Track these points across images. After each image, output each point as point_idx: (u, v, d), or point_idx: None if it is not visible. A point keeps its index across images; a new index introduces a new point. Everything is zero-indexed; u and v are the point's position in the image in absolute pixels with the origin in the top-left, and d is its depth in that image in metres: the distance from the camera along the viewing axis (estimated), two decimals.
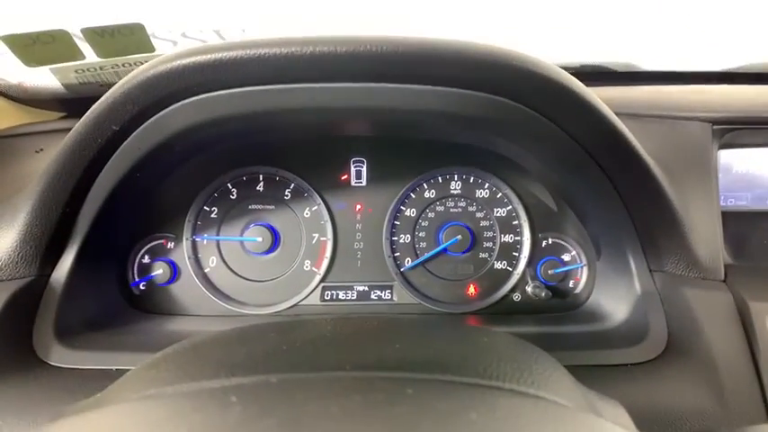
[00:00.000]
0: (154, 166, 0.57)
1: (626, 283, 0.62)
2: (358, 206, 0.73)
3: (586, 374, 0.53)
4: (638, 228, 0.58)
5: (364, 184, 0.73)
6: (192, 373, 0.33)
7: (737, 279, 0.58)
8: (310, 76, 0.46)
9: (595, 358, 0.54)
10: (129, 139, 0.51)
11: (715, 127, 0.66)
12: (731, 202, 0.75)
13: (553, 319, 0.68)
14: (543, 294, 0.68)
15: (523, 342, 0.40)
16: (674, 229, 0.57)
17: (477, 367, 0.31)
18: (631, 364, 0.53)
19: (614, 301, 0.64)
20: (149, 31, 1.93)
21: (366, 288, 0.72)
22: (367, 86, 0.46)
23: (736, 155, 0.73)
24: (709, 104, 0.67)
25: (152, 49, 0.81)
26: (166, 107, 0.48)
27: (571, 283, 0.72)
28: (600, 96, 0.51)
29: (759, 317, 0.53)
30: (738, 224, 0.70)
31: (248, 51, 0.45)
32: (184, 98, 0.47)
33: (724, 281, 0.59)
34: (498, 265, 0.72)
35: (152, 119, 0.49)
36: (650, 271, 0.60)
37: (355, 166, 0.73)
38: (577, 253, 0.72)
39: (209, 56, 0.46)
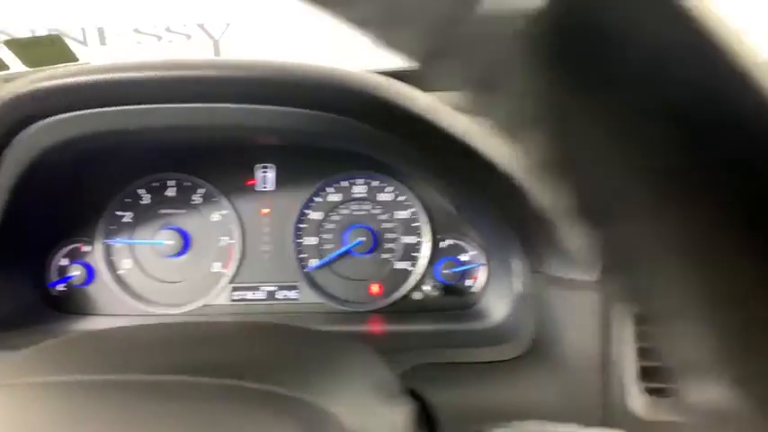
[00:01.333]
0: (46, 177, 0.60)
1: (509, 284, 0.64)
2: (265, 210, 0.76)
3: (462, 371, 0.56)
4: (516, 229, 0.61)
5: (272, 188, 0.76)
6: (44, 367, 0.36)
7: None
8: (158, 98, 0.48)
9: (471, 355, 0.57)
10: (5, 153, 0.54)
11: None
12: None
13: (448, 317, 0.71)
14: (437, 293, 0.71)
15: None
16: (546, 230, 0.59)
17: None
18: (496, 362, 0.56)
19: (499, 300, 0.67)
20: (133, 27, 1.93)
21: (273, 288, 0.75)
22: (209, 107, 0.49)
23: None
24: None
25: (75, 59, 0.84)
26: (30, 125, 0.51)
27: (468, 283, 0.74)
28: None
29: (619, 319, 0.55)
30: None
31: (103, 76, 0.47)
32: (48, 116, 0.50)
33: (599, 281, 0.61)
34: (400, 266, 0.75)
35: (18, 136, 0.52)
36: (532, 272, 0.62)
37: (262, 172, 0.76)
38: (478, 253, 0.74)
39: (69, 80, 0.48)
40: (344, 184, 0.75)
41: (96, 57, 1.75)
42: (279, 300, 0.75)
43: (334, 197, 0.76)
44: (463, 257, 0.75)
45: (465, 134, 0.50)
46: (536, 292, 0.61)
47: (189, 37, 1.78)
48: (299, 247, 0.75)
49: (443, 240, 0.75)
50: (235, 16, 1.77)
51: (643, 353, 0.52)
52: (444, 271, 0.74)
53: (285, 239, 0.75)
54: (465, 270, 0.74)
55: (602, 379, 0.51)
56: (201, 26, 1.78)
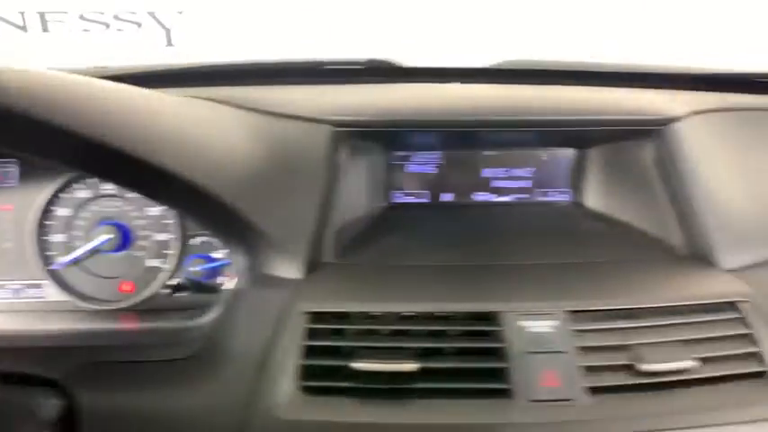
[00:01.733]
0: None
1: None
2: (7, 206, 0.73)
3: (128, 370, 0.55)
4: (229, 230, 0.61)
5: (15, 184, 0.73)
6: None
7: (326, 277, 0.62)
8: None
9: (140, 355, 0.56)
10: None
11: (337, 129, 0.67)
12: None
13: (198, 314, 0.71)
14: (184, 291, 0.71)
15: None
16: (249, 232, 0.60)
17: None
18: (162, 361, 0.55)
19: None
20: (78, 12, 1.78)
21: (18, 286, 0.73)
22: None
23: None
24: (333, 107, 0.68)
25: None
26: None
27: (219, 280, 0.75)
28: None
29: (293, 318, 0.56)
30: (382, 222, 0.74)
31: None
32: None
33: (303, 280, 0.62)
34: (151, 263, 0.75)
35: None
36: (248, 269, 0.63)
37: (3, 168, 0.73)
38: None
39: None
40: (93, 180, 0.74)
41: (38, 45, 1.61)
42: (24, 298, 0.73)
43: (83, 193, 0.74)
44: (216, 255, 0.75)
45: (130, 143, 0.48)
46: (242, 288, 0.61)
47: (139, 25, 1.66)
48: (45, 245, 0.74)
49: (194, 238, 0.75)
50: (187, 4, 1.65)
51: (309, 351, 0.54)
52: (192, 268, 0.74)
53: (27, 236, 0.73)
54: (215, 267, 0.74)
55: (258, 378, 0.52)
56: (152, 14, 1.67)
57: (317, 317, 0.56)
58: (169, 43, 1.70)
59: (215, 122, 0.62)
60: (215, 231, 0.62)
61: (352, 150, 0.70)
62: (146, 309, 0.74)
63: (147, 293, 0.74)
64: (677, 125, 0.70)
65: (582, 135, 0.77)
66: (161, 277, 0.74)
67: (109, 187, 0.73)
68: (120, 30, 1.71)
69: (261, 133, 0.64)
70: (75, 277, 0.74)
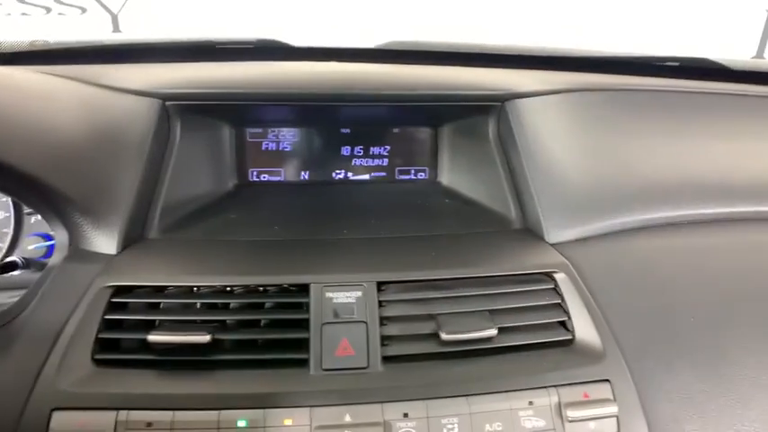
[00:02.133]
0: None
1: None
2: None
3: None
4: (45, 203, 0.59)
5: None
6: None
7: (142, 252, 0.61)
8: None
9: None
10: None
11: (168, 103, 0.66)
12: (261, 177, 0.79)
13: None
14: (14, 269, 0.70)
15: None
16: (65, 206, 0.58)
17: None
18: None
19: None
20: None
21: None
22: None
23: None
24: (164, 80, 0.67)
25: None
26: None
27: None
28: None
29: (95, 291, 0.55)
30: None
31: None
32: None
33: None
34: None
35: None
36: (69, 245, 0.62)
37: None
38: None
39: None
40: None
41: None
42: None
43: None
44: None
45: None
46: (55, 264, 0.60)
47: (84, 10, 1.58)
48: None
49: (31, 216, 0.73)
50: None
51: (107, 324, 0.53)
52: (30, 247, 0.72)
53: None
54: (53, 246, 0.72)
55: (48, 350, 0.51)
56: None
57: (120, 290, 0.55)
58: (116, 29, 1.64)
59: (36, 95, 0.60)
60: (31, 205, 0.61)
61: (190, 126, 0.69)
62: None
63: None
64: (517, 101, 0.71)
65: (435, 113, 0.78)
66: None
67: None
68: (61, 14, 1.64)
69: (89, 107, 0.63)
70: None
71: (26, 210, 0.72)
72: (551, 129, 0.72)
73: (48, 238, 0.72)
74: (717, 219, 0.73)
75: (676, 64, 0.85)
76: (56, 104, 0.61)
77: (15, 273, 0.70)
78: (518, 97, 0.72)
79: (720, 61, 0.86)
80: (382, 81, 0.71)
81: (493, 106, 0.72)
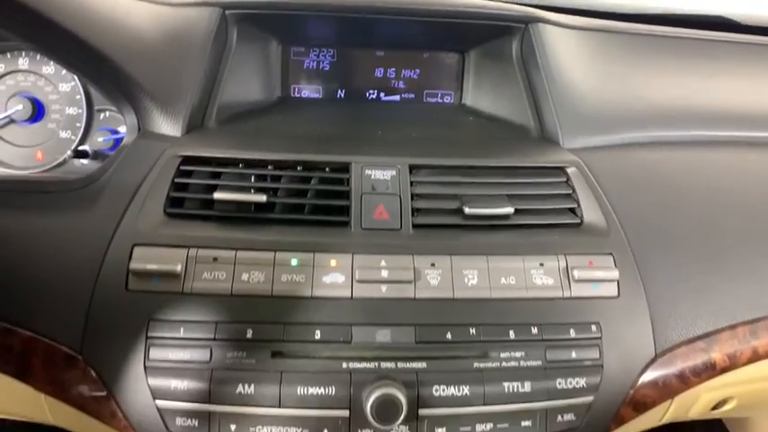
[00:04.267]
0: None
1: None
2: None
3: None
4: (119, 89, 0.67)
5: None
6: None
7: (204, 135, 0.68)
8: None
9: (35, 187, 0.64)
10: None
11: (227, 12, 0.73)
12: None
13: None
14: (86, 157, 0.77)
15: None
16: (137, 92, 0.65)
17: None
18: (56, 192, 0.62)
19: None
20: None
21: None
22: None
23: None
24: None
25: None
26: None
27: None
28: None
29: (167, 159, 0.62)
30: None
31: None
32: None
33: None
34: (63, 134, 0.80)
35: None
36: (137, 127, 0.69)
37: None
38: None
39: None
40: (8, 55, 0.78)
41: None
42: None
43: None
44: (121, 129, 0.81)
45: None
46: (127, 142, 0.67)
47: None
48: None
49: (102, 113, 0.80)
50: None
51: (176, 186, 0.60)
52: (99, 139, 0.80)
53: None
54: (119, 140, 0.80)
55: (127, 203, 0.58)
56: None
57: (187, 160, 0.62)
58: None
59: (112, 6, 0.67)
60: (107, 90, 0.68)
61: (244, 36, 0.76)
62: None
63: (57, 160, 0.79)
64: (540, 25, 0.77)
65: (463, 36, 0.83)
66: (72, 147, 0.80)
67: (23, 63, 0.78)
68: None
69: (159, 16, 0.70)
70: None
71: (97, 106, 0.80)
72: (572, 54, 0.78)
73: (115, 132, 0.80)
74: (717, 140, 0.79)
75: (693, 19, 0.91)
76: (131, 13, 0.67)
77: (85, 161, 0.78)
78: (542, 21, 0.77)
79: (732, 17, 0.92)
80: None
81: (517, 28, 0.78)
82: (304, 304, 0.54)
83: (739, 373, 0.66)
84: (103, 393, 0.52)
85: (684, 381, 0.58)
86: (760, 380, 0.68)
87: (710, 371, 0.58)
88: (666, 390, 0.57)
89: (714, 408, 0.70)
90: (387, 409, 0.48)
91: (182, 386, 0.51)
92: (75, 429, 0.63)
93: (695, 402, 0.67)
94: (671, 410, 0.66)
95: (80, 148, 0.78)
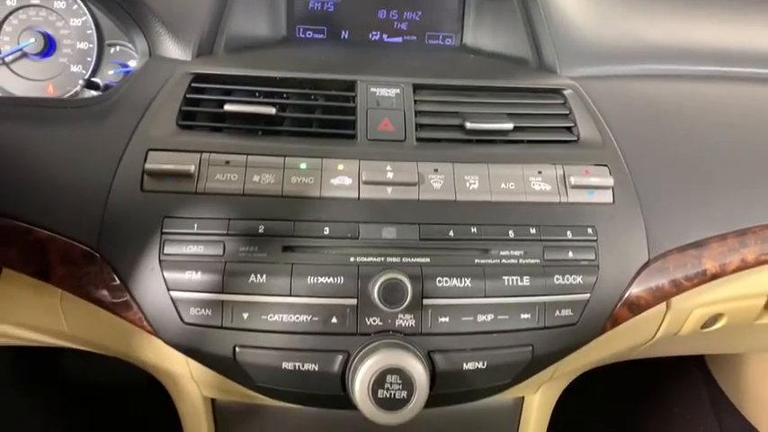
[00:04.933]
0: None
1: None
2: None
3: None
4: (130, 13, 0.68)
5: None
6: None
7: (213, 59, 0.70)
8: None
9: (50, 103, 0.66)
10: None
11: None
12: None
13: None
14: (96, 89, 0.79)
15: None
16: (147, 17, 0.67)
17: None
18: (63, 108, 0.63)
19: None
20: None
21: None
22: None
23: None
24: None
25: None
26: None
27: None
28: None
29: (179, 76, 0.64)
30: None
31: None
32: None
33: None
34: (74, 68, 0.82)
35: None
36: (148, 53, 0.71)
37: None
38: None
39: None
40: None
41: None
42: None
43: (11, 2, 0.80)
44: (131, 63, 0.82)
45: None
46: (139, 66, 0.69)
47: None
48: None
49: (112, 47, 0.82)
50: None
51: (188, 102, 0.62)
52: (109, 72, 0.81)
53: None
54: (128, 72, 0.82)
55: (141, 114, 0.60)
56: None
57: (199, 77, 0.64)
58: None
59: None
60: (119, 17, 0.69)
61: None
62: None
63: (69, 92, 0.81)
64: None
65: None
66: (81, 81, 0.81)
67: None
68: None
69: None
70: (7, 79, 0.81)
71: (108, 41, 0.81)
72: None
73: (125, 66, 0.81)
74: (710, 75, 0.81)
75: None
76: None
77: (96, 93, 0.79)
78: None
79: None
80: None
81: None
82: (313, 204, 0.56)
83: (729, 290, 0.69)
84: (120, 287, 0.54)
85: (676, 285, 0.60)
86: (748, 297, 0.71)
87: (701, 276, 0.61)
88: (659, 293, 0.60)
89: (704, 326, 0.72)
90: (393, 292, 0.50)
91: (195, 278, 0.53)
92: (87, 337, 0.66)
93: (687, 318, 0.69)
94: (664, 324, 0.69)
95: (91, 79, 0.80)
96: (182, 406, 0.67)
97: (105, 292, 0.54)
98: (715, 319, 0.72)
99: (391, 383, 0.49)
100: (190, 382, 0.62)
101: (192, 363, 0.58)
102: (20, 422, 1.30)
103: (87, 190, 0.56)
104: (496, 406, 0.67)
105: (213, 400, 0.65)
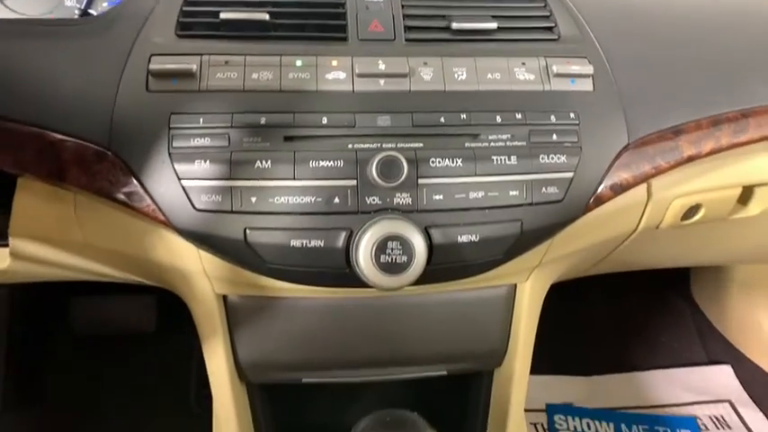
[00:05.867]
0: None
1: None
2: None
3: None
4: None
5: None
6: None
7: None
8: None
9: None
10: None
11: None
12: None
13: None
14: None
15: None
16: None
17: None
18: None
19: None
20: None
21: None
22: None
23: None
24: None
25: None
26: None
27: None
28: None
29: None
30: None
31: None
32: None
33: None
34: (69, 2, 0.83)
35: None
36: None
37: None
38: None
39: None
40: None
41: None
42: None
43: None
44: None
45: None
46: None
47: None
48: None
49: None
50: None
51: (184, 14, 0.64)
52: (104, 4, 0.83)
53: None
54: None
55: (141, 26, 0.62)
56: None
57: None
58: None
59: None
60: None
61: None
62: None
63: None
64: None
65: None
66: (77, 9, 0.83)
67: None
68: None
69: None
70: (1, 16, 0.82)
71: None
72: None
73: None
74: None
75: None
76: None
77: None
78: None
79: None
80: None
81: None
82: (310, 96, 0.59)
83: (706, 180, 0.73)
84: (132, 181, 0.57)
85: (655, 166, 0.64)
86: (723, 188, 0.75)
87: (678, 157, 0.64)
88: (639, 173, 0.63)
89: (684, 218, 0.77)
90: (390, 167, 0.54)
91: (204, 167, 0.56)
92: (102, 244, 0.68)
93: (668, 208, 0.73)
94: (647, 214, 0.73)
95: (87, 10, 0.81)
96: (195, 306, 0.70)
97: (119, 187, 0.57)
98: (693, 211, 0.76)
99: (392, 249, 0.53)
100: (202, 278, 0.65)
101: (204, 255, 0.62)
102: (31, 376, 1.33)
103: (95, 94, 0.58)
104: (491, 295, 0.71)
105: (225, 298, 0.68)
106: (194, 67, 0.58)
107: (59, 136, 0.58)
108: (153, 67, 0.58)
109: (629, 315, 1.60)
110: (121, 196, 0.58)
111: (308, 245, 0.56)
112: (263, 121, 0.57)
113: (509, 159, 0.58)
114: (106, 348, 1.40)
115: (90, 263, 0.75)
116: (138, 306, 1.43)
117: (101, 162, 0.57)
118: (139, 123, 0.57)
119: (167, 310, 1.47)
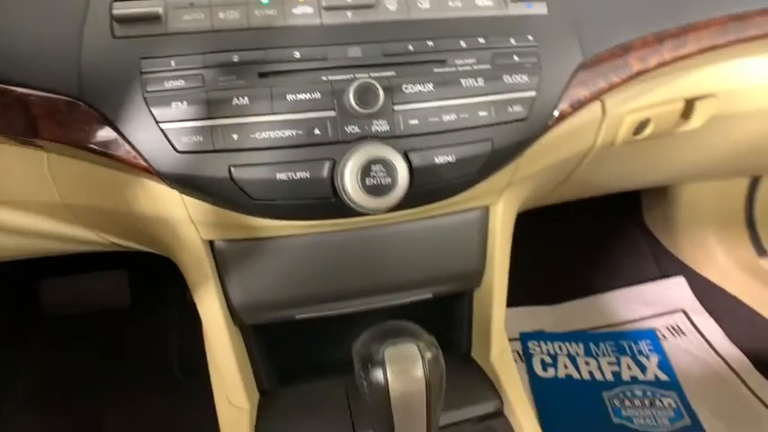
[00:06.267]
0: None
1: None
2: None
3: None
4: None
5: None
6: None
7: None
8: None
9: None
10: None
11: None
12: None
13: None
14: None
15: None
16: None
17: None
18: None
19: None
20: None
21: None
22: None
23: None
24: None
25: None
26: None
27: None
28: None
29: None
30: None
31: None
32: None
33: None
34: None
35: None
36: None
37: None
38: None
39: None
40: None
41: None
42: None
43: None
44: None
45: None
46: None
47: None
48: None
49: None
50: None
51: None
52: None
53: None
54: None
55: None
56: None
57: None
58: None
59: None
60: None
61: None
62: None
63: None
64: None
65: None
66: None
67: None
68: None
69: None
70: None
71: None
72: None
73: None
74: None
75: None
76: None
77: None
78: None
79: None
80: None
81: None
82: (280, 32, 0.59)
83: (653, 96, 0.78)
84: (109, 129, 0.57)
85: (609, 82, 0.69)
86: (668, 102, 0.81)
87: (628, 72, 0.69)
88: (595, 88, 0.68)
89: (636, 133, 0.82)
90: (366, 93, 0.56)
91: (181, 108, 0.56)
92: (81, 201, 0.68)
93: (621, 124, 0.79)
94: (603, 130, 0.78)
95: None
96: (183, 256, 0.72)
97: (95, 136, 0.57)
98: (643, 125, 0.82)
99: (377, 172, 0.55)
100: (188, 225, 0.66)
101: (189, 201, 0.63)
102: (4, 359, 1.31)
103: (57, 43, 0.57)
104: (467, 219, 0.75)
105: (212, 244, 0.70)
106: (160, 9, 0.57)
107: (25, 90, 0.56)
108: (116, 12, 0.57)
109: (588, 243, 1.71)
110: (98, 146, 0.57)
111: (294, 177, 0.58)
112: (235, 59, 0.57)
113: (476, 81, 0.61)
114: (86, 327, 1.38)
115: (69, 226, 0.74)
116: (110, 282, 1.42)
117: (73, 112, 0.57)
118: (109, 70, 0.57)
119: (142, 284, 1.46)
